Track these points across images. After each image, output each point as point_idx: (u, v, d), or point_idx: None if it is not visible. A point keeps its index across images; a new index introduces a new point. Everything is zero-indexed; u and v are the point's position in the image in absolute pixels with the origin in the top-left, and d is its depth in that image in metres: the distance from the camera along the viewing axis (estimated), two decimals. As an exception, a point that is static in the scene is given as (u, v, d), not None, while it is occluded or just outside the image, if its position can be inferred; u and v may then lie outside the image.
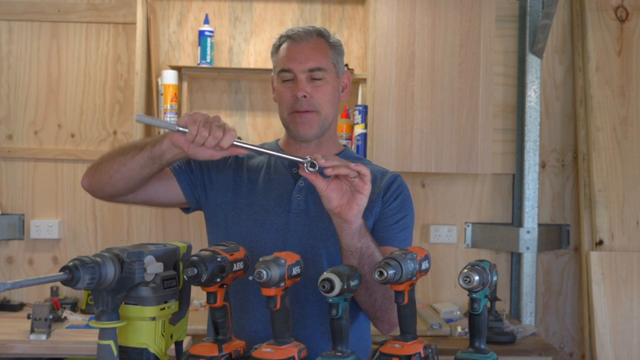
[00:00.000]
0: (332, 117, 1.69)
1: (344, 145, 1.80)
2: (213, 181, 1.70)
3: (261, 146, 1.76)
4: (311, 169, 1.42)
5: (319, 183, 1.42)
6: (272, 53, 1.73)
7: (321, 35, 1.68)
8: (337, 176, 1.42)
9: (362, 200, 1.42)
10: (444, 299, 3.26)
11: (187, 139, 1.43)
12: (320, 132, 1.67)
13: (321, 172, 1.43)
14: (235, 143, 1.44)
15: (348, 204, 1.42)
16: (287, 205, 1.64)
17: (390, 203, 1.65)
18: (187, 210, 1.76)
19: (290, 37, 1.67)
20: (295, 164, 1.54)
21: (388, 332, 1.60)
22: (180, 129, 1.42)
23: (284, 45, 1.68)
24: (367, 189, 1.41)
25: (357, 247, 1.46)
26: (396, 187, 1.68)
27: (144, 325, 1.24)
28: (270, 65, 3.10)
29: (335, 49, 1.70)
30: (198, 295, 3.05)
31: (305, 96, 1.62)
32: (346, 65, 3.07)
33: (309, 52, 1.64)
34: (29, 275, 3.15)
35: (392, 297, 1.50)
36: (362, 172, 1.40)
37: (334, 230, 1.50)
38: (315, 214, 1.62)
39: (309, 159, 1.42)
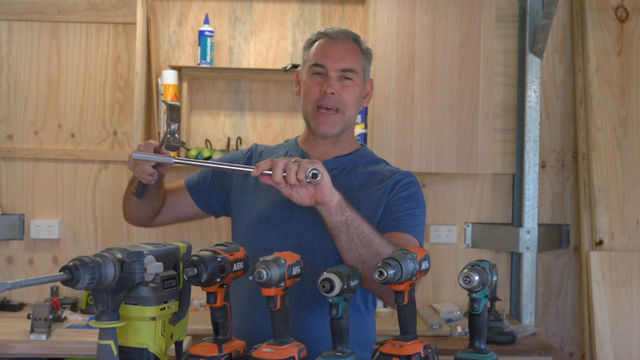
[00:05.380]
0: (353, 119, 1.75)
1: (361, 144, 1.84)
2: (231, 201, 1.81)
3: (283, 144, 1.87)
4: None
5: (283, 190, 1.45)
6: (304, 47, 1.77)
7: (356, 40, 1.74)
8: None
9: (323, 179, 1.43)
10: (444, 299, 3.26)
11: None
12: (340, 132, 1.73)
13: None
14: (176, 161, 1.53)
15: (315, 189, 1.44)
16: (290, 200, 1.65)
17: (397, 194, 1.67)
18: (216, 215, 1.90)
19: (327, 35, 1.72)
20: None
21: None
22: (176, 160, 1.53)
23: (320, 42, 1.72)
24: (309, 166, 1.41)
25: (342, 221, 1.47)
26: (405, 182, 1.70)
27: (144, 325, 1.24)
28: (270, 65, 3.18)
29: (367, 56, 1.76)
30: (198, 295, 3.04)
31: (333, 93, 1.67)
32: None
33: (343, 53, 1.70)
34: (29, 275, 3.15)
35: (375, 250, 1.50)
36: (278, 169, 1.42)
37: None
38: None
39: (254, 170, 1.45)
